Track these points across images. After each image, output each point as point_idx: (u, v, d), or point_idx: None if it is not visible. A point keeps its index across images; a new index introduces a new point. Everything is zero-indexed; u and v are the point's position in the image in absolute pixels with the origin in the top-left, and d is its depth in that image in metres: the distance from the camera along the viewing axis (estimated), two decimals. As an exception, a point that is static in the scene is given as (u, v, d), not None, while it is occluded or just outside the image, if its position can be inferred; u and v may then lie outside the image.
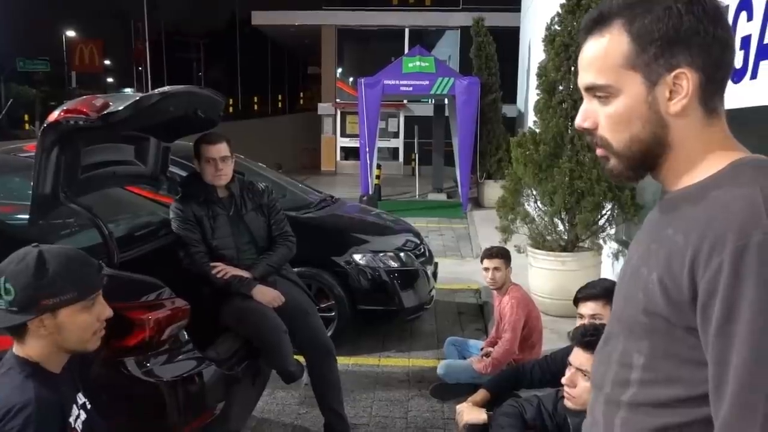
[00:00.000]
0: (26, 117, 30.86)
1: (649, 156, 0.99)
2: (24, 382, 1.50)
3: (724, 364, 0.84)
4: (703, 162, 0.96)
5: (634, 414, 0.98)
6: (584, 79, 1.00)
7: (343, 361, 4.41)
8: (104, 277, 1.64)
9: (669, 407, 0.93)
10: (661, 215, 1.01)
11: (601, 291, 2.62)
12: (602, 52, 0.97)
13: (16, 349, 1.56)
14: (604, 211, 5.17)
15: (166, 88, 2.71)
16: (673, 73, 0.93)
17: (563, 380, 2.18)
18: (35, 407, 1.45)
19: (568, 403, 2.18)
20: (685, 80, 0.93)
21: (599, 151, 1.02)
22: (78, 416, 1.61)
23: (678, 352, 0.92)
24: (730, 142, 0.98)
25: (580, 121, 1.02)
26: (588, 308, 2.68)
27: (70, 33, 34.97)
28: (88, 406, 1.67)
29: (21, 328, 1.53)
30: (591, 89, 1.00)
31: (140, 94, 2.63)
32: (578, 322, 2.66)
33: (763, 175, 0.90)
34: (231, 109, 40.76)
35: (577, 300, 2.79)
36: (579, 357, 2.12)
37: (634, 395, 0.98)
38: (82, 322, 1.56)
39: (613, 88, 0.97)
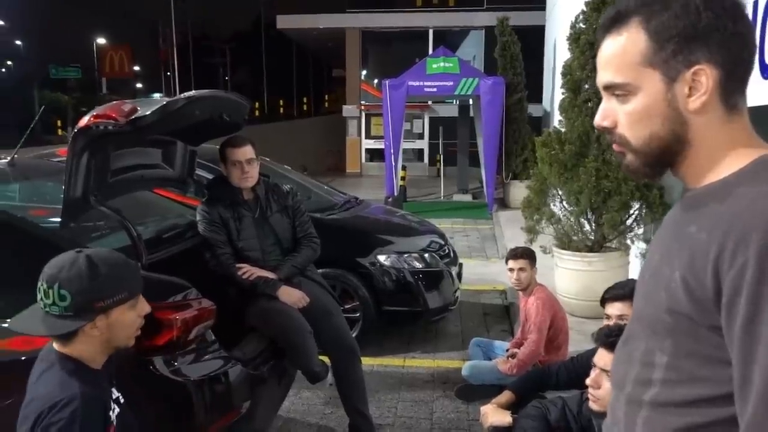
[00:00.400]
0: (59, 122, 31.58)
1: (667, 153, 0.98)
2: (68, 378, 1.54)
3: (749, 363, 0.82)
4: (725, 159, 0.95)
5: (657, 414, 0.97)
6: (603, 77, 1.00)
7: (368, 362, 4.42)
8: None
9: (692, 407, 0.92)
10: (682, 213, 1.00)
11: (628, 291, 2.59)
12: (620, 51, 0.97)
13: (58, 347, 1.59)
14: (631, 211, 5.10)
15: (191, 93, 2.76)
16: (692, 70, 0.92)
17: (588, 381, 2.16)
18: (81, 402, 1.49)
19: (592, 405, 2.16)
20: (705, 77, 0.92)
21: (616, 148, 1.02)
22: (113, 410, 1.66)
23: (702, 351, 0.91)
24: (752, 138, 0.97)
25: (600, 119, 1.02)
26: (615, 309, 2.65)
27: (101, 40, 35.70)
28: (121, 400, 1.71)
29: (72, 332, 1.56)
30: (609, 88, 0.99)
31: (167, 99, 2.68)
32: (605, 323, 2.63)
33: None
34: (257, 113, 41.15)
35: (604, 300, 2.77)
36: (603, 358, 2.10)
37: (657, 395, 0.97)
38: (130, 320, 1.63)
39: (631, 86, 0.96)
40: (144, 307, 1.68)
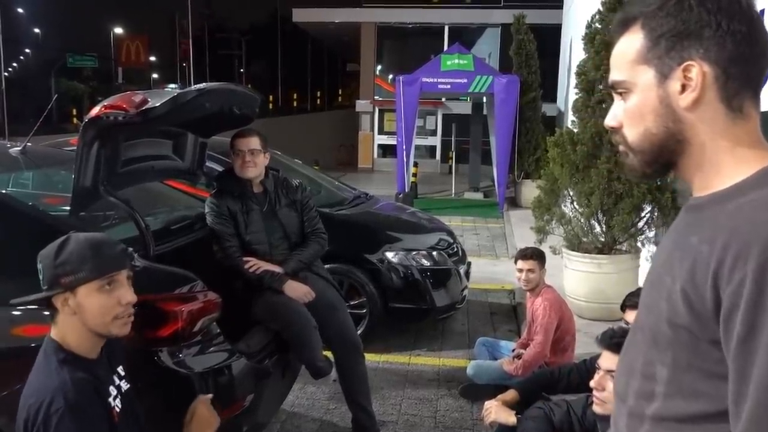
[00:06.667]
0: (74, 112, 31.84)
1: (664, 151, 0.97)
2: (58, 367, 1.56)
3: (744, 379, 0.81)
4: (729, 165, 0.93)
5: (659, 428, 0.95)
6: (609, 77, 1.02)
7: (374, 359, 4.42)
8: (127, 260, 1.68)
9: (694, 422, 0.90)
10: (685, 222, 0.98)
11: None
12: (621, 50, 0.99)
13: (53, 333, 1.64)
14: (642, 214, 5.06)
15: (202, 85, 2.76)
16: (683, 65, 0.92)
17: (592, 384, 2.14)
18: (73, 389, 1.51)
19: (597, 408, 2.14)
20: (696, 73, 0.91)
21: (621, 148, 1.03)
22: (116, 397, 1.68)
23: (702, 365, 0.89)
24: (760, 145, 0.94)
25: (608, 120, 1.03)
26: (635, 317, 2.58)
27: (118, 29, 35.93)
28: (123, 389, 1.72)
29: (52, 307, 1.62)
30: (613, 87, 1.01)
31: (178, 91, 2.68)
32: None
33: None
34: (271, 105, 41.23)
35: (624, 307, 2.72)
36: (608, 360, 2.08)
37: (658, 409, 0.95)
38: (100, 303, 1.61)
39: (628, 83, 0.98)
40: (125, 294, 1.64)
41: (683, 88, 0.93)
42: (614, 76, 1.00)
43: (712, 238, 0.86)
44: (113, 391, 1.68)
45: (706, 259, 0.86)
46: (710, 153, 0.94)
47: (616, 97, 1.02)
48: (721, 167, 0.94)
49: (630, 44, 0.97)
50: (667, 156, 0.98)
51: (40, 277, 1.61)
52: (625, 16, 0.99)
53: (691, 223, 0.95)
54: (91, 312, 1.60)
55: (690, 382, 0.91)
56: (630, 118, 0.99)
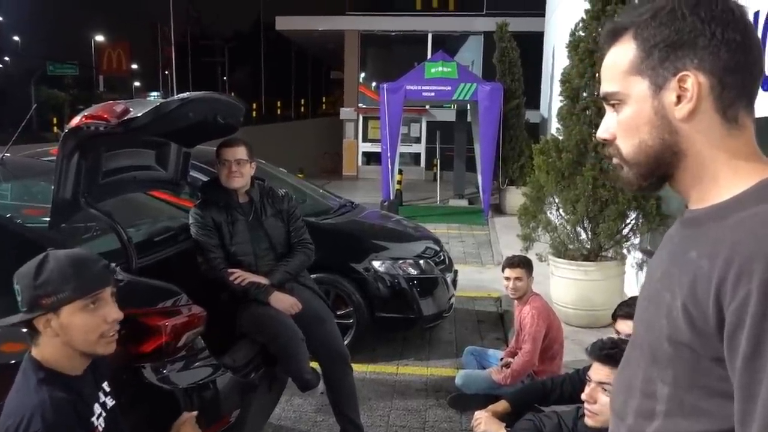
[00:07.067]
0: (55, 120, 31.44)
1: (660, 164, 0.95)
2: (37, 386, 1.52)
3: (751, 398, 0.78)
4: (726, 178, 0.91)
5: None
6: (601, 89, 1.00)
7: (361, 369, 4.38)
8: (111, 276, 1.64)
9: None
10: (682, 235, 0.96)
11: None
12: (612, 61, 0.98)
13: (34, 351, 1.59)
14: (628, 220, 5.08)
15: (185, 94, 2.71)
16: (678, 76, 0.90)
17: (583, 396, 2.12)
18: (51, 408, 1.47)
19: (588, 420, 2.12)
20: (691, 83, 0.90)
21: (614, 161, 1.01)
22: (100, 414, 1.64)
23: (705, 383, 0.87)
24: (756, 156, 0.93)
25: (600, 132, 1.01)
26: (627, 326, 2.55)
27: (99, 37, 35.63)
28: (108, 405, 1.68)
29: (33, 329, 1.56)
30: (605, 98, 0.99)
31: (160, 101, 2.63)
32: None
33: None
34: (254, 113, 41.07)
35: (616, 316, 2.70)
36: (598, 372, 2.06)
37: (659, 428, 0.92)
38: (85, 322, 1.56)
39: (621, 94, 0.96)
40: (110, 312, 1.60)
41: (678, 99, 0.91)
42: (606, 87, 0.98)
43: (713, 253, 0.84)
44: (97, 409, 1.64)
45: (708, 274, 0.83)
46: (707, 164, 0.93)
47: (608, 109, 0.99)
48: (718, 179, 0.92)
49: (622, 55, 0.95)
50: (663, 168, 0.96)
51: (18, 298, 1.55)
52: (615, 26, 0.97)
53: (688, 236, 0.93)
54: (75, 332, 1.55)
55: (692, 400, 0.88)
56: (624, 130, 0.97)
